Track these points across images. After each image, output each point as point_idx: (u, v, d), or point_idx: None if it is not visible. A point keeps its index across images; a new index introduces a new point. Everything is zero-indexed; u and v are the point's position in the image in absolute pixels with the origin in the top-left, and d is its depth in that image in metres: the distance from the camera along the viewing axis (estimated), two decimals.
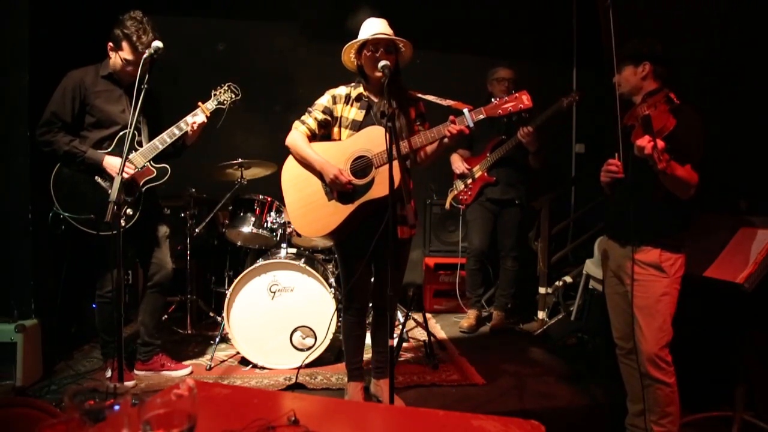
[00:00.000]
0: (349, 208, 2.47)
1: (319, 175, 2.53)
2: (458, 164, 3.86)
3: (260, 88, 4.13)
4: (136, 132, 2.26)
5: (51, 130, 2.69)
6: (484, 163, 3.79)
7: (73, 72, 2.76)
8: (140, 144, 2.82)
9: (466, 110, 2.32)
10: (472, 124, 2.33)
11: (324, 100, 2.59)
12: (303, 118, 2.59)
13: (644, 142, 1.84)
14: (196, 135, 2.91)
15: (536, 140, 3.56)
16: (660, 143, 1.81)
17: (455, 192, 3.96)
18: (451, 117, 2.35)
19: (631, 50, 2.21)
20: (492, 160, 3.77)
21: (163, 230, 3.04)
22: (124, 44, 2.66)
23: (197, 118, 2.84)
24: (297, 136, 2.56)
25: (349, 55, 2.53)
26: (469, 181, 3.87)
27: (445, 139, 2.40)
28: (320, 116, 2.56)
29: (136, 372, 3.06)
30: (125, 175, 2.26)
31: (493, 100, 2.36)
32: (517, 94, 2.32)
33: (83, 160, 2.70)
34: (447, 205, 4.07)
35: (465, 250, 4.20)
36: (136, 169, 2.76)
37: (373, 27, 2.47)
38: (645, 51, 2.18)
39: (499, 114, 2.33)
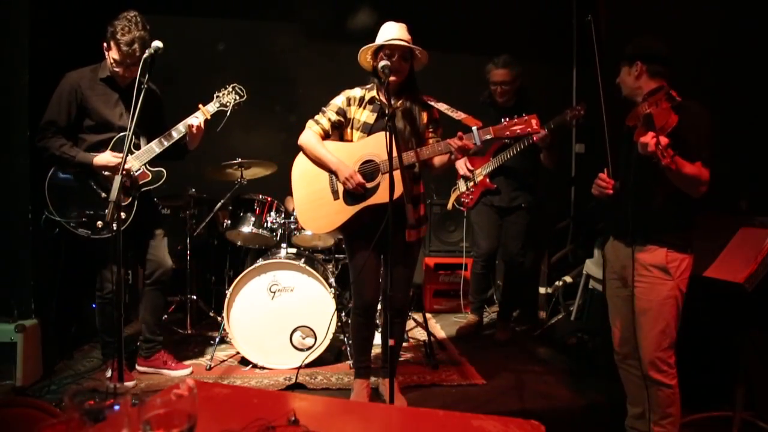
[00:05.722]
0: (352, 210, 2.52)
1: (330, 173, 2.57)
2: (461, 164, 3.81)
3: (260, 88, 4.11)
4: (133, 136, 2.26)
5: (46, 136, 2.70)
6: (486, 166, 3.69)
7: (70, 74, 2.76)
8: (137, 147, 2.81)
9: (474, 128, 2.38)
10: (479, 143, 2.40)
11: (339, 101, 2.60)
12: (317, 117, 2.61)
13: (648, 138, 1.82)
14: (198, 139, 2.88)
15: (548, 138, 3.40)
16: (663, 139, 1.80)
17: (458, 192, 3.91)
18: (459, 133, 2.38)
19: (626, 50, 2.20)
20: (494, 165, 3.66)
21: (159, 230, 3.03)
22: (111, 43, 2.65)
23: (195, 120, 2.81)
24: (311, 136, 2.58)
25: (366, 57, 2.55)
26: (471, 183, 3.80)
27: (452, 156, 2.47)
28: (334, 117, 2.58)
29: (138, 368, 3.07)
30: (117, 177, 2.26)
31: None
32: (527, 117, 2.33)
33: (75, 164, 2.71)
34: (449, 206, 4.01)
35: (468, 251, 4.14)
36: (131, 172, 2.75)
37: (391, 32, 2.49)
38: (637, 50, 2.17)
39: (506, 135, 2.38)
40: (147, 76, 2.35)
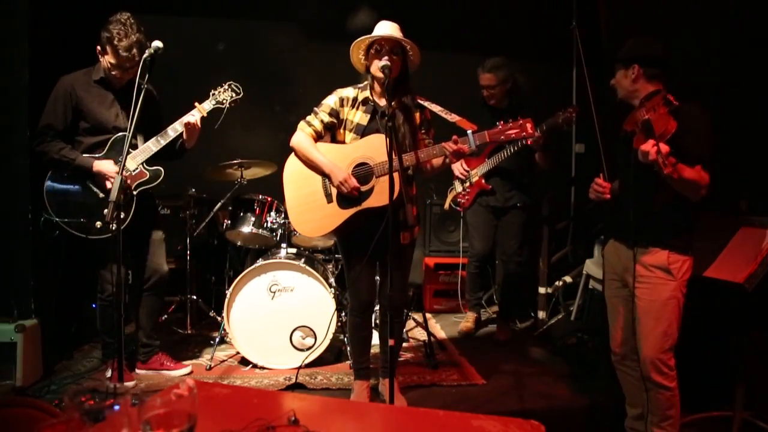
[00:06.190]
0: (346, 214, 2.50)
1: (322, 176, 2.55)
2: (457, 166, 3.81)
3: (260, 88, 4.12)
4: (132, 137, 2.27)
5: (44, 140, 2.70)
6: (482, 167, 3.70)
7: (64, 78, 2.75)
8: (135, 147, 2.80)
9: (469, 132, 2.36)
10: (474, 147, 2.37)
11: (331, 102, 2.56)
12: (309, 119, 2.58)
13: (648, 147, 1.80)
14: (195, 136, 2.87)
15: (540, 140, 3.39)
16: (664, 147, 1.79)
17: (454, 193, 3.93)
18: (455, 137, 2.37)
19: (622, 52, 2.18)
20: (490, 166, 3.67)
21: (159, 234, 3.03)
22: (108, 48, 2.65)
23: (192, 118, 2.80)
24: (303, 138, 2.55)
25: (358, 56, 2.53)
26: (467, 184, 3.82)
27: (447, 159, 2.47)
28: (326, 118, 2.55)
29: (136, 371, 3.06)
30: (117, 177, 2.26)
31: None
32: (521, 121, 2.34)
33: (74, 167, 2.71)
34: (446, 206, 4.04)
35: (466, 251, 4.16)
36: (128, 172, 2.75)
37: (382, 29, 2.47)
38: (634, 53, 2.14)
39: (501, 140, 2.38)
40: (147, 77, 2.34)
